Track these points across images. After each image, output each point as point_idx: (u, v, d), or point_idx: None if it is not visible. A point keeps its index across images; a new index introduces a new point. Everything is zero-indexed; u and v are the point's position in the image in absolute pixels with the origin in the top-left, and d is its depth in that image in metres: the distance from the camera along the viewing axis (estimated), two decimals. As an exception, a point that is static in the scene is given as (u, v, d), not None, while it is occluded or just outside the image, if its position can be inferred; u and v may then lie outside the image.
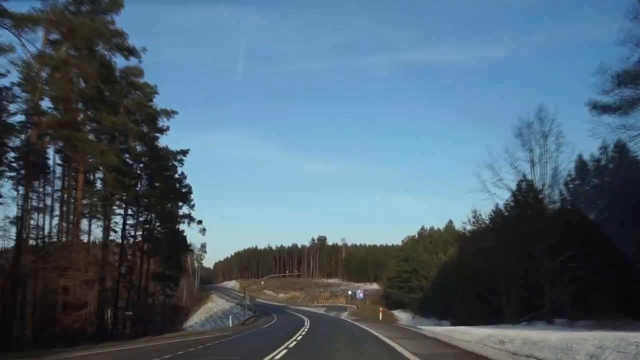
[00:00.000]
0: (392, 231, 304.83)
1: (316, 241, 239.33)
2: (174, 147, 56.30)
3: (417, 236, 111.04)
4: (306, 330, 33.43)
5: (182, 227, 61.73)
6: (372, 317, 71.23)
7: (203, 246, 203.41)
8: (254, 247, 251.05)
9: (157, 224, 55.77)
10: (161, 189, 52.20)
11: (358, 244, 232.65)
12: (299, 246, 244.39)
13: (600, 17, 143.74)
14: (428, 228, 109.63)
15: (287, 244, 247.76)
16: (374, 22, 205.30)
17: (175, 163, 56.26)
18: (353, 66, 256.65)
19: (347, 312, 70.85)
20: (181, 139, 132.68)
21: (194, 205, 59.70)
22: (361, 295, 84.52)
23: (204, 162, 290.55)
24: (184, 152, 55.08)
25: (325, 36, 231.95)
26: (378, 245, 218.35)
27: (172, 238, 57.68)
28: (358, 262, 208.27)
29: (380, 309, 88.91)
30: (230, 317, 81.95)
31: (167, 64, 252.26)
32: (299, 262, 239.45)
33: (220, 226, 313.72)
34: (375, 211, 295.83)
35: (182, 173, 57.58)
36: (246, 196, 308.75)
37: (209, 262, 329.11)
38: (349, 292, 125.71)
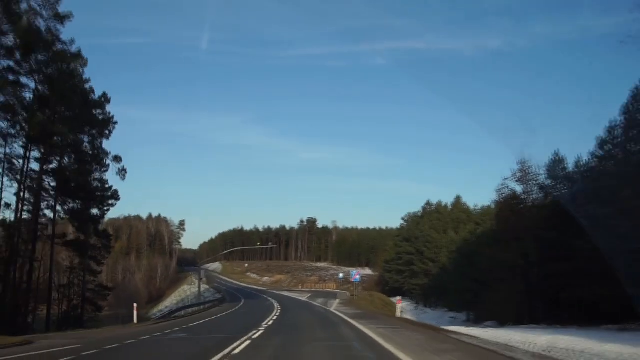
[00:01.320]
0: (387, 215, 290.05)
1: (305, 223, 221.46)
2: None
3: (421, 212, 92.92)
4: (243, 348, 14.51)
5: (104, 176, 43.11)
6: (374, 308, 53.32)
7: (182, 224, 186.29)
8: (239, 227, 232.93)
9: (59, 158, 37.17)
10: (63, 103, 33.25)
11: (350, 227, 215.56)
12: (287, 228, 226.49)
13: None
14: (435, 203, 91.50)
15: (275, 225, 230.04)
16: (374, 8, 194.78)
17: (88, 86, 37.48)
18: (351, 52, 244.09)
19: (337, 301, 53.32)
20: (181, 122, 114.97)
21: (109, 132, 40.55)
22: (357, 277, 66.43)
23: (200, 146, 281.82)
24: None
25: (324, 21, 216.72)
26: (371, 228, 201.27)
27: (85, 186, 39.40)
28: (350, 245, 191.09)
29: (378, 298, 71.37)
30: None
31: (165, 45, 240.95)
32: (286, 244, 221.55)
33: (207, 208, 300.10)
34: (369, 196, 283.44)
35: (104, 94, 38.67)
36: (236, 178, 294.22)
37: (194, 243, 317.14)
38: (340, 275, 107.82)
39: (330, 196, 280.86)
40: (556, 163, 38.72)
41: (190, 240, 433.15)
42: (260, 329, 20.51)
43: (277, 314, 33.99)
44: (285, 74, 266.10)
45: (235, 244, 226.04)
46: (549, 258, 37.53)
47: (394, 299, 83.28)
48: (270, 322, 25.45)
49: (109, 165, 42.07)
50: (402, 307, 79.61)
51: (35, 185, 35.33)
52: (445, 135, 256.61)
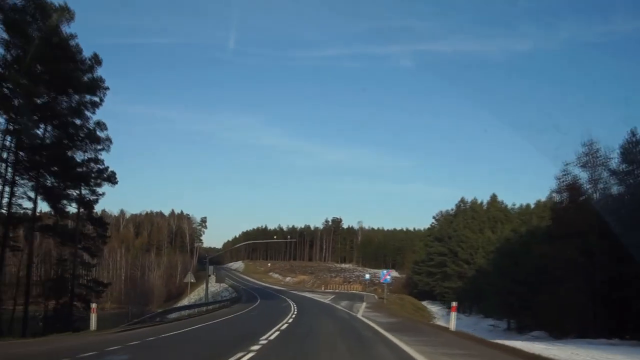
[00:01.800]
0: (414, 215, 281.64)
1: (330, 223, 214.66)
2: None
3: (455, 210, 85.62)
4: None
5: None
6: (407, 314, 46.47)
7: (203, 220, 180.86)
8: (262, 227, 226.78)
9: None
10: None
11: (376, 228, 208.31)
12: (312, 228, 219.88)
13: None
14: (469, 201, 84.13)
15: (299, 225, 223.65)
16: (398, 10, 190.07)
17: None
18: (376, 54, 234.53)
19: (364, 304, 46.47)
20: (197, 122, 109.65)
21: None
22: (388, 278, 59.31)
23: (219, 147, 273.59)
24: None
25: (347, 23, 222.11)
26: (398, 229, 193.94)
27: (62, 158, 33.05)
28: (375, 246, 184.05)
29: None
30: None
31: (188, 45, 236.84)
32: (311, 245, 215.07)
33: (230, 207, 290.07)
34: (395, 198, 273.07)
35: (95, 55, 32.31)
36: (259, 180, 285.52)
37: (218, 241, 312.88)
38: (366, 276, 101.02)
39: (355, 197, 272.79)
40: (633, 145, 31.61)
41: (214, 239, 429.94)
42: (257, 345, 13.89)
43: (291, 319, 27.46)
44: (308, 75, 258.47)
45: (259, 244, 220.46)
46: (620, 258, 30.51)
47: (428, 304, 76.93)
48: (277, 332, 18.89)
49: (98, 138, 35.62)
50: (432, 310, 72.96)
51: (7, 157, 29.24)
52: (472, 137, 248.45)
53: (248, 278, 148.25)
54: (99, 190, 38.25)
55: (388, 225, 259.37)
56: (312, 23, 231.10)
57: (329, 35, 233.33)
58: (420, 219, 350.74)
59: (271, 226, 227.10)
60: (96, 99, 33.45)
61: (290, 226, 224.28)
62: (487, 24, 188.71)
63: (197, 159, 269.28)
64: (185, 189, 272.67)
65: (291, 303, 50.10)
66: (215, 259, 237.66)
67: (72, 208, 37.49)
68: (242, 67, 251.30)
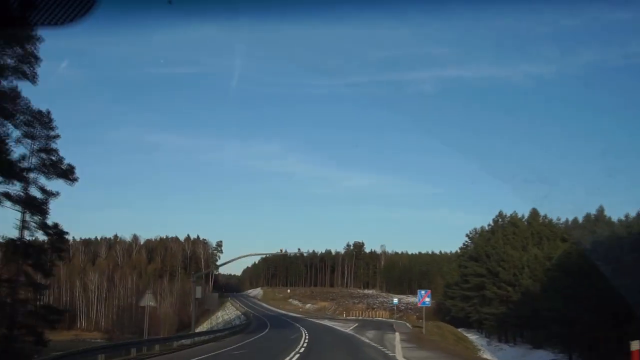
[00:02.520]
0: (440, 239, 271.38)
1: (352, 247, 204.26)
2: None
3: (492, 226, 75.31)
4: None
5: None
6: (452, 347, 36.46)
7: (219, 245, 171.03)
8: (282, 251, 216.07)
9: None
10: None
11: (399, 252, 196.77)
12: (333, 252, 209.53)
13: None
14: (508, 215, 73.72)
15: (320, 250, 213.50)
16: (416, 38, 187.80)
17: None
18: (395, 80, 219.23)
19: (398, 335, 36.18)
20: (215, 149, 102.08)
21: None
22: (427, 300, 48.49)
23: (238, 173, 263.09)
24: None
25: (367, 51, 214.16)
26: (424, 252, 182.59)
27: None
28: (400, 271, 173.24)
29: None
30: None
31: (206, 75, 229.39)
32: (332, 270, 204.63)
33: (250, 233, 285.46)
34: (417, 224, 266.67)
35: None
36: (278, 204, 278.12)
37: (238, 269, 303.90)
38: (394, 301, 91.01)
39: (377, 222, 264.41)
40: None
41: (234, 266, 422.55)
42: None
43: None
44: (328, 102, 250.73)
45: (279, 270, 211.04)
46: None
47: (463, 332, 66.42)
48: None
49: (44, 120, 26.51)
50: (474, 342, 62.42)
51: None
52: (493, 160, 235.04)
53: (266, 305, 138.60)
54: (52, 189, 28.99)
55: (412, 249, 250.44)
56: (333, 50, 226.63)
57: (350, 62, 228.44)
58: (446, 243, 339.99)
59: (291, 251, 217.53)
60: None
61: (311, 250, 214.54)
62: (508, 48, 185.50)
63: (215, 186, 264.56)
64: (203, 216, 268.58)
65: (304, 333, 40.50)
66: (233, 287, 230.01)
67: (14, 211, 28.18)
68: (263, 95, 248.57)
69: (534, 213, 72.29)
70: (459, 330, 68.03)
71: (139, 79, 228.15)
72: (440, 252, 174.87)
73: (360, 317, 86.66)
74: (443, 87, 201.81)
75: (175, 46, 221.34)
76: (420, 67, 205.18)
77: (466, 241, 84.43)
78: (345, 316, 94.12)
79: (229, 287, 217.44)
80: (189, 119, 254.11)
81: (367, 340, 34.54)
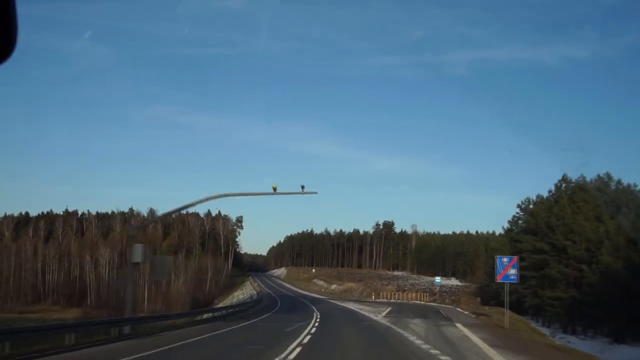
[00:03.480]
0: (475, 220, 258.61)
1: (381, 227, 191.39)
2: None
3: (553, 193, 61.63)
4: None
5: None
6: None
7: (239, 220, 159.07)
8: (308, 230, 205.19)
9: None
10: None
11: (432, 232, 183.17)
12: (361, 232, 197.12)
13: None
14: (575, 179, 59.85)
15: (348, 229, 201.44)
16: (452, 18, 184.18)
17: None
18: (427, 63, 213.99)
19: (468, 331, 23.71)
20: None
21: None
22: (513, 274, 35.11)
23: (270, 154, 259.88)
24: None
25: (400, 32, 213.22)
26: (458, 232, 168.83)
27: None
28: (432, 251, 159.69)
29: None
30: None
31: (240, 56, 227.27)
32: (360, 251, 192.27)
33: (277, 214, 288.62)
34: (449, 206, 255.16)
35: None
36: (308, 186, 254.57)
37: (263, 249, 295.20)
38: (437, 280, 78.53)
39: (408, 203, 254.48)
40: None
41: (260, 246, 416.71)
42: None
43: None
44: (360, 84, 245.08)
45: (304, 249, 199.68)
46: None
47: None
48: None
49: None
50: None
51: None
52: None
53: (287, 285, 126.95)
54: None
55: (445, 230, 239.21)
56: (365, 31, 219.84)
57: (380, 44, 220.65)
58: (481, 223, 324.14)
59: (317, 230, 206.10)
60: None
61: (338, 230, 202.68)
62: (543, 30, 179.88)
63: (242, 165, 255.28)
64: (231, 200, 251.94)
65: (314, 320, 28.41)
66: (258, 266, 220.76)
67: None
68: (294, 76, 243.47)
69: (608, 177, 58.50)
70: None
71: (170, 58, 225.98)
72: (477, 232, 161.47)
73: (392, 300, 74.07)
74: (477, 69, 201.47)
75: (206, 25, 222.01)
76: (455, 48, 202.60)
77: (517, 213, 70.88)
78: (374, 298, 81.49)
79: (254, 267, 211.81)
80: (221, 100, 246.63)
81: (420, 343, 20.60)
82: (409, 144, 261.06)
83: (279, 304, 55.71)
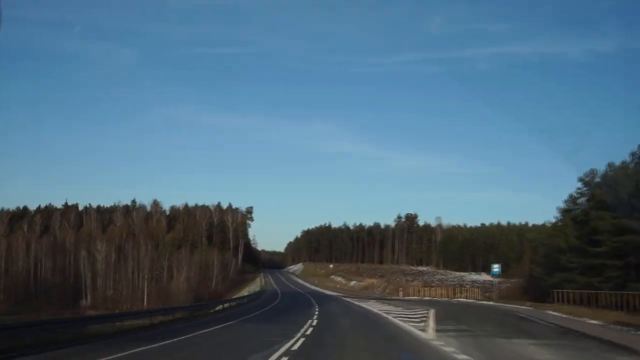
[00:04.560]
0: (506, 207, 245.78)
1: (403, 220, 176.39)
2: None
3: (635, 158, 46.30)
4: None
5: None
6: None
7: (249, 211, 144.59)
8: (326, 224, 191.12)
9: None
10: None
11: (458, 225, 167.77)
12: (382, 226, 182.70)
13: None
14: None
15: (368, 223, 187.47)
16: (474, 13, 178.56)
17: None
18: (449, 58, 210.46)
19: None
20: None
21: None
22: None
23: (292, 153, 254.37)
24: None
25: (421, 27, 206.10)
26: (487, 224, 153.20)
27: None
28: (460, 245, 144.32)
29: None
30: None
31: (260, 56, 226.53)
32: (381, 245, 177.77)
33: (295, 210, 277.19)
34: (473, 203, 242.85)
35: None
36: (329, 184, 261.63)
37: (281, 244, 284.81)
38: (494, 270, 61.35)
39: (431, 197, 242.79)
40: None
41: (277, 243, 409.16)
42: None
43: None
44: (380, 82, 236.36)
45: (322, 244, 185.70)
46: None
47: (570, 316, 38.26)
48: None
49: None
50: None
51: None
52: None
53: (300, 281, 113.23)
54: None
55: (472, 222, 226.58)
56: (386, 28, 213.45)
57: (401, 41, 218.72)
58: (512, 215, 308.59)
59: (336, 224, 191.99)
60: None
61: (358, 224, 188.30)
62: (567, 23, 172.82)
63: (262, 163, 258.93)
64: (248, 192, 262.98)
65: (302, 331, 14.20)
66: (276, 263, 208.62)
67: None
68: (315, 75, 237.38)
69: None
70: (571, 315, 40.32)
71: (192, 58, 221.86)
72: (509, 222, 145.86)
73: (425, 297, 59.29)
74: (499, 64, 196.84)
75: (229, 26, 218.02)
76: (476, 44, 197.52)
77: (578, 189, 55.48)
78: (402, 295, 66.85)
79: (271, 264, 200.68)
80: (243, 99, 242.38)
81: None
82: (428, 142, 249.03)
83: (269, 306, 42.67)
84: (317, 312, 29.82)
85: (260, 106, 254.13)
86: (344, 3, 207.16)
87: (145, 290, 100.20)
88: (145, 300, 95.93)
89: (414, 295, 64.43)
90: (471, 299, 55.81)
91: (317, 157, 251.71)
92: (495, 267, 54.30)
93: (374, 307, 36.78)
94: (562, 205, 58.71)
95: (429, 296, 61.68)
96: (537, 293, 59.15)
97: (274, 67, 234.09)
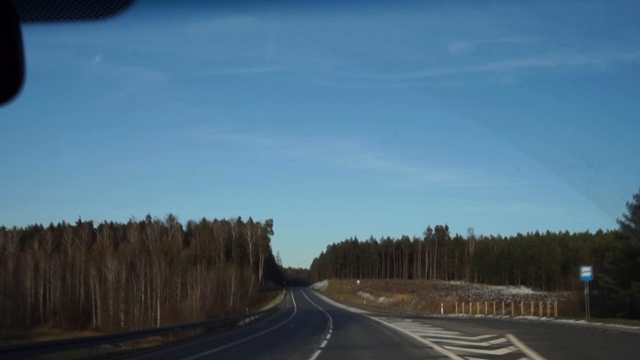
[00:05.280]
0: (543, 216, 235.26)
1: (433, 233, 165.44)
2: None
3: None
4: None
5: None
6: None
7: (269, 224, 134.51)
8: (352, 239, 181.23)
9: None
10: None
11: (492, 236, 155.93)
12: (411, 239, 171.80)
13: None
14: None
15: (396, 237, 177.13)
16: (498, 26, 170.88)
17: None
18: (473, 72, 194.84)
19: None
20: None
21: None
22: None
23: (317, 170, 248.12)
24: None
25: (445, 42, 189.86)
26: (525, 234, 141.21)
27: None
28: (495, 257, 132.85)
29: None
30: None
31: (282, 74, 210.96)
32: (410, 259, 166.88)
33: (320, 226, 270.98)
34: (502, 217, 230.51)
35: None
36: (355, 200, 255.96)
37: (307, 262, 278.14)
38: (584, 275, 49.75)
39: (461, 210, 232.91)
40: None
41: (303, 260, 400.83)
42: None
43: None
44: (405, 98, 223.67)
45: (348, 259, 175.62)
46: None
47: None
48: None
49: None
50: None
51: None
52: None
53: (324, 298, 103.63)
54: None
55: (507, 233, 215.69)
56: (410, 44, 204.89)
57: (423, 55, 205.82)
58: (549, 224, 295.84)
59: (362, 238, 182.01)
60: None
61: (385, 237, 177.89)
62: (592, 35, 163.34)
63: (292, 182, 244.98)
64: (272, 209, 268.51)
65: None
66: (302, 280, 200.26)
67: None
68: (340, 92, 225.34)
69: None
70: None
71: (218, 79, 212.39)
72: (548, 231, 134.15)
73: (476, 315, 48.59)
74: (523, 78, 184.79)
75: (255, 45, 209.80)
76: (501, 57, 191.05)
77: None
78: (441, 313, 56.45)
79: (298, 281, 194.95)
80: (268, 117, 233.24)
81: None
82: (456, 157, 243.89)
83: (271, 328, 33.25)
84: (327, 339, 20.29)
85: (285, 124, 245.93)
86: (368, 19, 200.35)
87: (159, 310, 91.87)
88: (158, 321, 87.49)
89: (461, 313, 53.97)
90: (531, 315, 44.94)
91: (342, 173, 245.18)
92: (586, 272, 42.37)
93: (411, 330, 26.44)
94: (632, 201, 48.35)
95: (474, 312, 51.23)
96: (603, 307, 48.80)
97: (300, 85, 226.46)
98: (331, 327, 30.70)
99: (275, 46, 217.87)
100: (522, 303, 55.30)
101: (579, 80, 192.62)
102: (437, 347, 17.03)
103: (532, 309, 47.72)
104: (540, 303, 50.45)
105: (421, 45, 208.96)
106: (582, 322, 32.66)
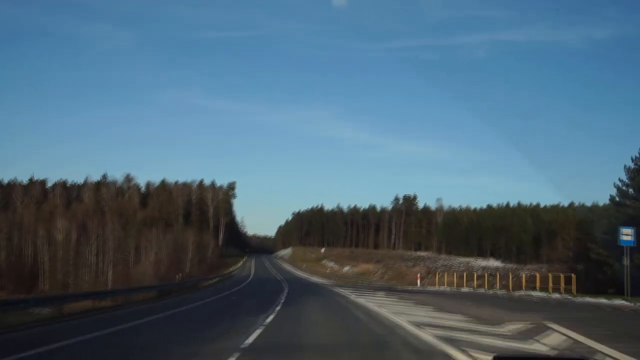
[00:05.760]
0: (513, 187, 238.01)
1: (401, 202, 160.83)
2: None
3: None
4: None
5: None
6: None
7: (231, 187, 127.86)
8: (318, 206, 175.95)
9: None
10: None
11: (461, 207, 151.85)
12: (378, 209, 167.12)
13: None
14: None
15: (363, 205, 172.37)
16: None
17: None
18: (446, 45, 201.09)
19: None
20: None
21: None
22: None
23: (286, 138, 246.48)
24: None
25: (418, 13, 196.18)
26: (495, 206, 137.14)
27: None
28: (464, 228, 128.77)
29: None
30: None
31: (257, 38, 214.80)
32: (376, 229, 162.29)
33: (286, 194, 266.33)
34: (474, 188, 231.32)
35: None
36: (324, 169, 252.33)
37: (273, 229, 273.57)
38: (624, 239, 42.21)
39: (429, 181, 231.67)
40: None
41: (269, 227, 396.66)
42: None
43: None
44: (376, 68, 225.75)
45: (314, 227, 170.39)
46: None
47: None
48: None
49: None
50: None
51: None
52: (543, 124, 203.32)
53: (286, 267, 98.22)
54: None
55: (477, 204, 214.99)
56: (383, 14, 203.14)
57: (397, 26, 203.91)
58: (520, 196, 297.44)
59: (328, 206, 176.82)
60: None
61: (352, 206, 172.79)
62: (566, 10, 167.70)
63: (260, 149, 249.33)
64: (238, 175, 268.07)
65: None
66: (267, 248, 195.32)
67: None
68: (312, 60, 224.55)
69: None
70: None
71: (191, 42, 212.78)
72: (519, 203, 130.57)
73: (462, 289, 42.04)
74: (495, 52, 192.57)
75: (228, 8, 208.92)
76: (473, 31, 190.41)
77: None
78: (419, 286, 50.63)
79: (262, 249, 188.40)
80: (239, 82, 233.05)
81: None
82: (426, 128, 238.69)
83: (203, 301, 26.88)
84: (264, 324, 14.19)
85: (257, 90, 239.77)
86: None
87: (110, 274, 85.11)
88: (109, 286, 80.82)
89: (439, 285, 48.16)
90: (537, 291, 38.57)
91: (312, 142, 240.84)
92: (627, 235, 32.95)
93: (392, 310, 18.85)
94: (630, 165, 43.20)
95: (458, 286, 45.23)
96: (593, 282, 44.00)
97: (272, 52, 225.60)
98: (282, 301, 24.47)
99: (251, 9, 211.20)
100: (510, 275, 49.67)
101: (551, 55, 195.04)
102: (460, 357, 9.71)
103: (523, 283, 41.74)
104: (538, 275, 44.77)
105: (395, 15, 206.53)
106: (619, 301, 26.07)
